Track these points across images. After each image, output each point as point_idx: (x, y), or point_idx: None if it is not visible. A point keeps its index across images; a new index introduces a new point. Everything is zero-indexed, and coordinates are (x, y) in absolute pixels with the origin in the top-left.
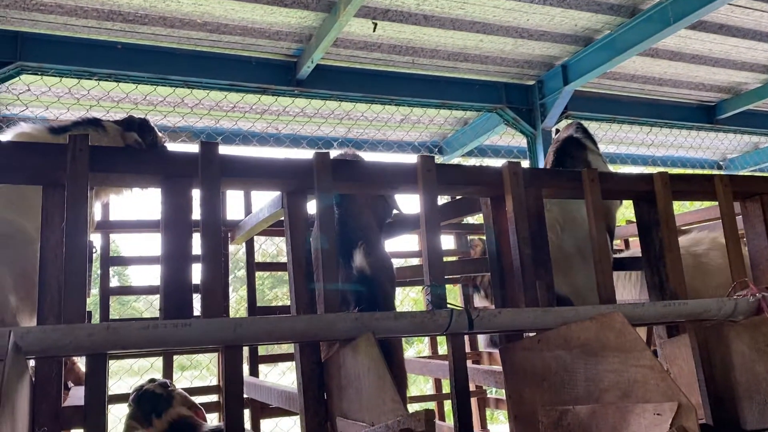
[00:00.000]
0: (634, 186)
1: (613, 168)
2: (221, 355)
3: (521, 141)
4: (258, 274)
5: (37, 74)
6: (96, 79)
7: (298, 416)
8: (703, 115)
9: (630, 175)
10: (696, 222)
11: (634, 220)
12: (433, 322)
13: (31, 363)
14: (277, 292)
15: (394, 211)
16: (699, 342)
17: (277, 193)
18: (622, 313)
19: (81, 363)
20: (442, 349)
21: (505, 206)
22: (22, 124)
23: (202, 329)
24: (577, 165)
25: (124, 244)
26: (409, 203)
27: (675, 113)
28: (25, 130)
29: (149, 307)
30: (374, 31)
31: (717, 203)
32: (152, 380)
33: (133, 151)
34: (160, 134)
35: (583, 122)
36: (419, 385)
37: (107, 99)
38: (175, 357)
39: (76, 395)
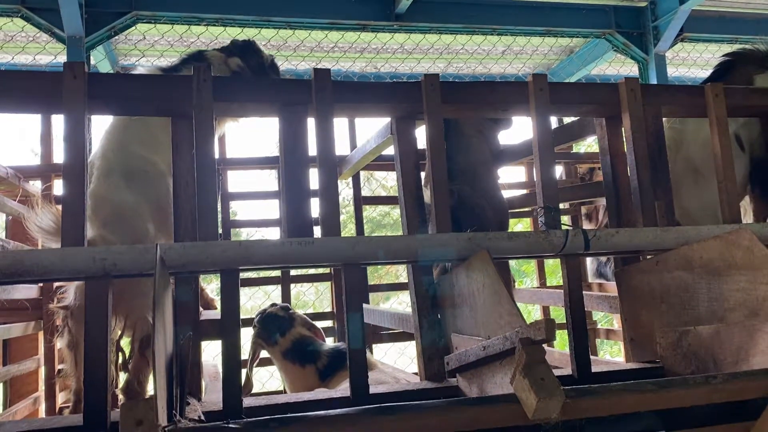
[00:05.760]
0: (765, 101)
1: None
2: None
3: (632, 68)
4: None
5: (150, 23)
6: (204, 25)
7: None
8: None
9: (760, 89)
10: None
11: None
12: (548, 242)
13: None
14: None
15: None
16: None
17: (384, 123)
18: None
19: (208, 290)
20: (550, 280)
21: (621, 126)
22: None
23: (324, 246)
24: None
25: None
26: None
27: None
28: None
29: None
30: None
31: None
32: (274, 304)
33: (252, 80)
34: (265, 54)
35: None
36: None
37: (216, 45)
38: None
39: (207, 315)
